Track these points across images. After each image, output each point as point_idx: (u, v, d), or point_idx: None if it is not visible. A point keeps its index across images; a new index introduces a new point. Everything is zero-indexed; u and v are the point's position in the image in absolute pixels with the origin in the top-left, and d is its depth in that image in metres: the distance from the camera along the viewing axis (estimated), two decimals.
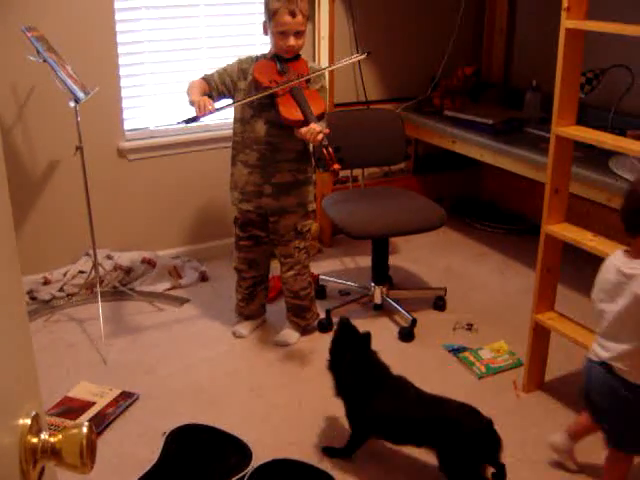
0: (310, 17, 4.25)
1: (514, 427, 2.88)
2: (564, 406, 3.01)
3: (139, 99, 4.10)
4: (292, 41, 3.09)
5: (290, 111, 3.01)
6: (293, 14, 3.04)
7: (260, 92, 3.08)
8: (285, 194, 3.29)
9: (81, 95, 3.34)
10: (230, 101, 3.23)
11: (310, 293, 3.53)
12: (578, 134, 2.65)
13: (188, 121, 3.03)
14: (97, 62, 3.82)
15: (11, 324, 0.96)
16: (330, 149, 2.88)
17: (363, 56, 3.29)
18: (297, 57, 3.19)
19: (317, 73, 3.17)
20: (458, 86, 4.64)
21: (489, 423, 2.50)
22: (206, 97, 3.07)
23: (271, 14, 3.08)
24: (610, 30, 2.52)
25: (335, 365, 2.76)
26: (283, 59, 3.16)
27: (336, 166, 2.88)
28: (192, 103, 3.05)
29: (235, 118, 3.32)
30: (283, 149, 3.21)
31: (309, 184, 3.37)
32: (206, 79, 3.23)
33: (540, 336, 3.03)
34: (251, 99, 3.12)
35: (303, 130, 2.93)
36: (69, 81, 3.32)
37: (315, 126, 2.91)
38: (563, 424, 2.87)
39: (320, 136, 2.89)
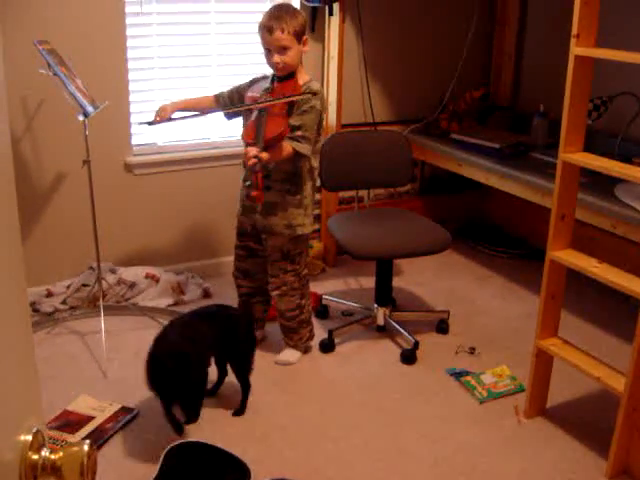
0: (319, 37, 4.30)
1: (515, 453, 2.87)
2: (566, 433, 2.99)
3: (148, 114, 4.11)
4: (276, 58, 3.11)
5: (247, 131, 3.07)
6: (270, 31, 3.08)
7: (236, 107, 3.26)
8: (272, 214, 3.29)
9: (90, 109, 3.35)
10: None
11: (299, 316, 3.49)
12: (585, 161, 2.66)
13: (150, 124, 3.33)
14: (107, 76, 3.84)
15: (16, 338, 0.96)
16: (259, 176, 2.93)
17: (308, 95, 3.19)
18: (290, 76, 3.19)
19: (281, 100, 3.09)
20: (466, 109, 4.65)
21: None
22: (168, 107, 3.33)
23: (258, 32, 3.17)
24: (619, 58, 2.53)
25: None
26: (277, 78, 3.20)
27: (254, 193, 2.95)
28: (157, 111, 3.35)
29: None
30: (273, 169, 3.22)
31: (299, 207, 3.32)
32: (216, 95, 3.40)
33: (543, 362, 3.02)
34: (227, 109, 3.33)
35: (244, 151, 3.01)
36: (79, 95, 3.33)
37: (249, 149, 2.95)
38: (564, 450, 2.87)
39: (252, 161, 2.92)
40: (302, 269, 3.45)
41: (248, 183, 3.00)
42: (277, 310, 3.52)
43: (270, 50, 3.12)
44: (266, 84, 3.24)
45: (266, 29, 3.09)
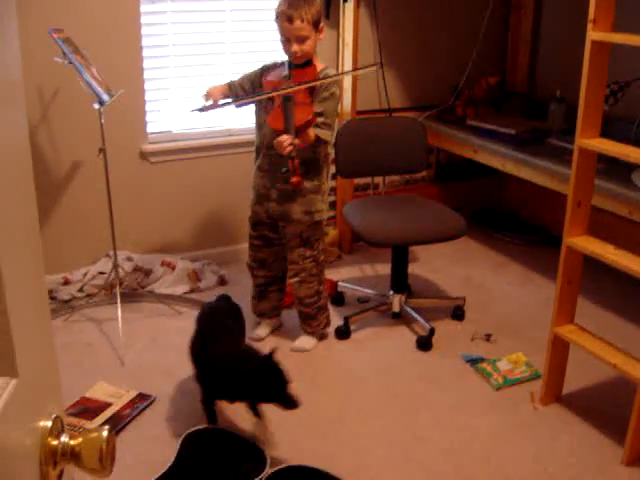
0: (334, 24, 4.28)
1: (530, 440, 2.87)
2: (582, 420, 2.98)
3: (163, 102, 4.12)
4: (294, 47, 3.09)
5: (274, 119, 3.06)
6: (290, 20, 3.05)
7: (261, 95, 3.16)
8: (290, 201, 3.29)
9: (105, 97, 3.36)
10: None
11: (317, 302, 3.51)
12: (602, 147, 2.64)
13: (201, 110, 3.22)
14: (122, 65, 3.85)
15: (35, 325, 0.97)
16: (296, 161, 2.92)
17: (373, 68, 3.29)
18: (308, 63, 3.18)
19: (309, 84, 3.12)
20: (481, 96, 4.63)
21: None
22: (217, 90, 3.29)
23: (275, 19, 3.14)
24: (636, 43, 2.51)
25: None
26: (293, 65, 3.18)
27: (294, 179, 2.94)
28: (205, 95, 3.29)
29: (255, 122, 3.37)
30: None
31: (318, 193, 3.34)
32: (228, 84, 3.38)
33: (559, 349, 3.01)
34: (247, 100, 3.20)
35: (275, 140, 2.98)
36: (94, 83, 3.34)
37: (284, 138, 2.94)
38: (580, 437, 2.86)
39: (288, 148, 2.92)
40: (320, 255, 3.46)
41: (284, 169, 2.98)
42: (295, 297, 3.52)
43: (288, 39, 3.10)
44: (283, 71, 3.22)
45: (285, 18, 3.06)
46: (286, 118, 3.00)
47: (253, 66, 3.39)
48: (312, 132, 3.08)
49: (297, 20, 3.05)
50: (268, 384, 2.64)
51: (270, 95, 3.11)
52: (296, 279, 3.44)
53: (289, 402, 2.64)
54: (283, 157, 3.12)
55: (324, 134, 3.14)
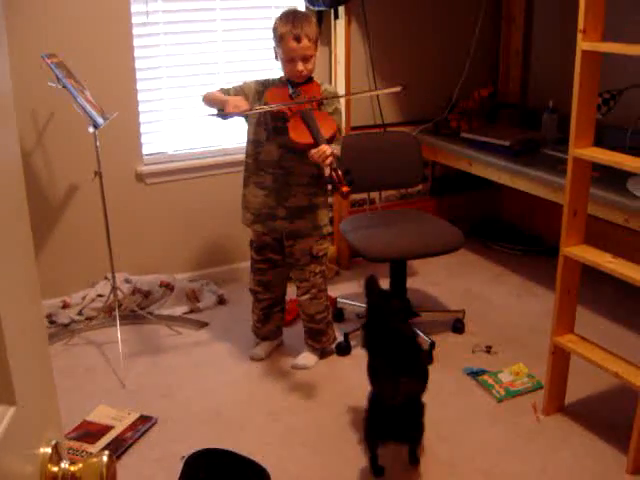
0: (326, 41, 4.30)
1: (534, 451, 2.86)
2: (585, 429, 2.98)
3: (157, 124, 4.13)
4: (300, 66, 3.09)
5: (300, 134, 3.01)
6: (298, 39, 3.04)
7: (274, 113, 3.11)
8: (299, 217, 3.29)
9: (100, 120, 3.37)
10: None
11: (326, 317, 3.52)
12: (596, 156, 2.65)
13: (219, 115, 3.07)
14: (116, 87, 3.86)
15: (33, 351, 0.96)
16: (339, 171, 2.87)
17: (397, 89, 3.28)
18: (309, 80, 3.19)
19: (328, 98, 3.16)
20: (475, 108, 4.65)
21: None
22: (238, 98, 3.09)
23: (278, 40, 3.10)
24: (626, 52, 2.52)
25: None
26: (295, 83, 3.18)
27: (345, 188, 2.87)
28: (224, 102, 3.05)
29: (248, 139, 3.32)
30: (297, 173, 3.22)
31: (324, 207, 3.37)
32: (223, 92, 3.24)
33: (560, 359, 3.01)
34: (261, 109, 3.11)
35: (312, 152, 2.92)
36: (88, 107, 3.35)
37: (325, 147, 2.90)
38: (584, 447, 2.85)
39: (329, 159, 2.89)
40: (325, 269, 3.48)
41: (329, 180, 2.93)
42: (304, 315, 3.50)
43: (293, 58, 3.08)
44: (286, 90, 3.16)
45: (293, 37, 3.03)
46: (312, 131, 2.98)
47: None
48: None
49: (304, 39, 3.04)
50: None
51: (286, 108, 3.06)
52: (307, 296, 3.43)
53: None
54: (290, 175, 3.13)
55: (337, 149, 3.14)
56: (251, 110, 3.09)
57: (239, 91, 3.24)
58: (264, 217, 3.34)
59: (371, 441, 2.73)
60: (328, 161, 2.88)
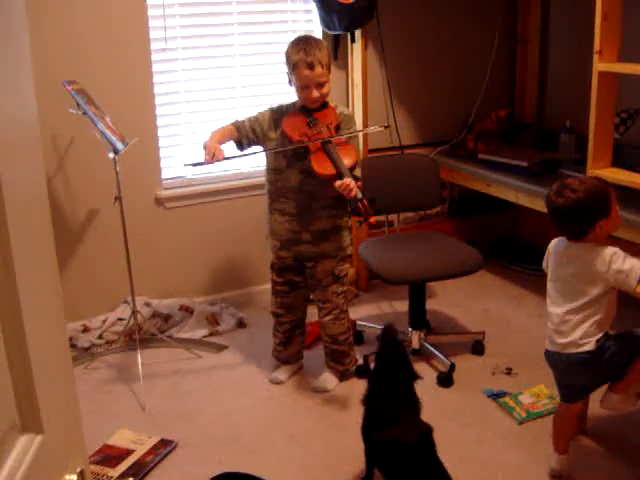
0: (343, 65, 4.33)
1: None
2: (607, 450, 2.95)
3: (176, 148, 4.17)
4: (315, 93, 3.11)
5: (323, 166, 3.05)
6: (312, 67, 3.06)
7: (293, 145, 3.13)
8: (324, 240, 3.31)
9: (120, 146, 3.41)
10: (259, 148, 3.31)
11: (349, 338, 3.52)
12: (614, 176, 2.65)
13: (195, 165, 3.17)
14: (135, 112, 3.90)
15: (59, 378, 0.98)
16: (365, 201, 2.90)
17: (380, 128, 3.35)
18: (324, 105, 3.21)
19: (348, 134, 3.20)
20: (492, 129, 4.65)
21: None
22: (218, 145, 3.11)
23: (292, 68, 3.13)
24: None
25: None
26: (311, 109, 3.20)
27: (372, 219, 2.93)
28: (204, 148, 3.10)
29: (268, 168, 3.34)
30: (319, 197, 3.24)
31: (346, 228, 3.40)
32: (236, 126, 3.27)
33: None
34: (279, 150, 3.18)
35: (337, 184, 2.95)
36: (108, 133, 3.39)
37: (349, 181, 2.92)
38: (606, 469, 2.83)
39: (354, 192, 2.91)
40: (346, 290, 3.49)
41: (354, 210, 2.98)
42: (327, 336, 3.49)
43: (308, 85, 3.10)
44: (303, 117, 3.18)
45: (306, 65, 3.06)
46: (335, 162, 3.02)
47: (263, 108, 3.38)
48: None
49: (318, 67, 3.07)
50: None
51: (307, 144, 3.09)
52: (329, 317, 3.43)
53: None
54: (313, 199, 3.16)
55: (358, 172, 3.18)
56: (230, 156, 3.17)
57: (253, 122, 3.27)
58: (289, 242, 3.35)
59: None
60: (353, 194, 2.91)
